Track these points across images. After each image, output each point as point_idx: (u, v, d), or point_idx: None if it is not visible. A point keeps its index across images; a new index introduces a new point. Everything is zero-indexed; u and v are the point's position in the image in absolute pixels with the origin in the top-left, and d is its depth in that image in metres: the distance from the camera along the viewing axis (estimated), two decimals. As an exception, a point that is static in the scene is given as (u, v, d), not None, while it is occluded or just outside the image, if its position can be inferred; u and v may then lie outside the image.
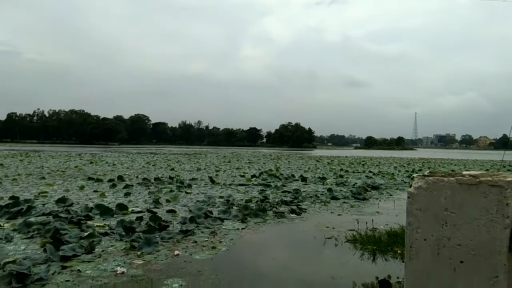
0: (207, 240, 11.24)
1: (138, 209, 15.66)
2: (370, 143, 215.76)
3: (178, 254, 9.85)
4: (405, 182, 28.89)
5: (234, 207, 16.29)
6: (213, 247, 10.53)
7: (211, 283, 7.97)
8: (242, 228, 13.02)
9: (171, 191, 21.30)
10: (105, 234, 11.59)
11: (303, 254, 10.55)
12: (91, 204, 16.22)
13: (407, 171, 41.11)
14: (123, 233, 11.33)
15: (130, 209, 15.43)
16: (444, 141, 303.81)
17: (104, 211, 14.59)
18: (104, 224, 12.83)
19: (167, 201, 17.85)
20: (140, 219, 13.16)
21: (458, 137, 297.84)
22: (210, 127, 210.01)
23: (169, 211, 15.26)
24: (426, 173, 3.61)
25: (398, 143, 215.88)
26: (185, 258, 9.62)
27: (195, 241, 11.10)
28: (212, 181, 26.34)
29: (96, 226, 12.53)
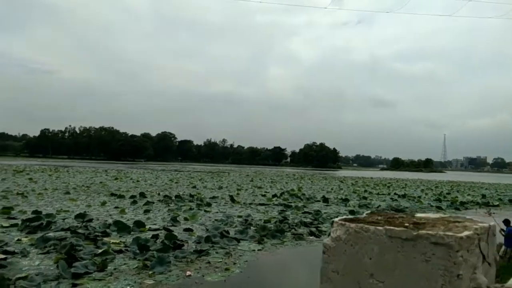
0: (221, 261, 10.99)
1: (156, 227, 15.59)
2: (396, 164, 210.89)
3: (190, 275, 9.65)
4: (431, 206, 27.82)
5: (251, 227, 16.00)
6: (227, 269, 10.28)
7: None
8: (258, 250, 12.72)
9: (191, 209, 21.22)
10: (120, 251, 11.53)
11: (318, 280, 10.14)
12: (110, 220, 16.29)
13: (434, 194, 39.68)
14: (137, 251, 11.24)
15: (147, 227, 15.40)
16: (475, 164, 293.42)
17: (122, 227, 14.60)
18: (120, 241, 12.80)
19: (185, 219, 17.75)
20: (156, 237, 13.07)
21: (489, 160, 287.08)
22: (235, 146, 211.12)
23: (186, 230, 15.13)
24: (348, 217, 2.46)
25: (426, 165, 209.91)
26: (197, 279, 9.40)
27: (209, 262, 10.87)
28: (233, 200, 26.15)
29: (112, 243, 12.51)
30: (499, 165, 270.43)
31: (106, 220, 16.38)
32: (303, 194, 32.20)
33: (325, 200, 28.31)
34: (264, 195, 30.90)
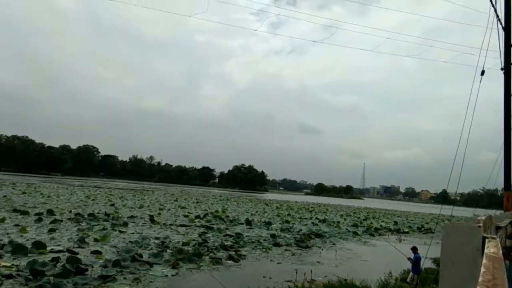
0: (127, 288, 10.06)
1: (59, 248, 14.06)
2: (320, 189, 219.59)
3: (89, 304, 8.64)
4: (349, 231, 28.86)
5: (168, 250, 15.13)
6: (133, 297, 9.40)
7: None
8: (172, 275, 11.93)
9: (104, 229, 19.67)
10: (10, 276, 10.09)
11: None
12: (5, 240, 14.44)
13: (352, 220, 41.47)
14: (30, 277, 9.90)
15: (49, 248, 13.83)
16: (390, 192, 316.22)
17: (18, 248, 12.93)
18: (12, 264, 11.26)
19: (95, 240, 16.32)
20: (56, 260, 11.72)
21: (402, 189, 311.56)
22: (162, 163, 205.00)
23: (93, 252, 13.82)
24: None
25: (347, 191, 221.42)
26: (97, 309, 8.42)
27: (114, 289, 9.89)
28: (152, 220, 24.85)
29: (2, 266, 10.96)
30: (410, 194, 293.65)
31: (1, 240, 14.47)
32: (227, 216, 31.70)
33: (249, 222, 28.08)
34: (186, 216, 29.87)
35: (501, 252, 1.37)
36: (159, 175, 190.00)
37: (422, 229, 37.42)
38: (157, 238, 17.94)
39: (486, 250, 1.34)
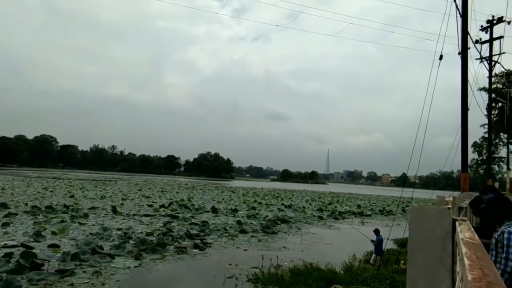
0: (87, 282, 9.63)
1: (13, 243, 13.30)
2: (286, 175, 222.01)
3: (45, 301, 8.19)
4: (314, 216, 29.30)
5: (130, 241, 14.68)
6: (93, 291, 9.02)
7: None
8: (135, 266, 11.57)
9: (62, 221, 18.85)
10: (-44, 275, 9.39)
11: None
12: (-48, 237, 13.49)
13: (317, 204, 42.19)
14: (-21, 275, 9.27)
15: (1, 243, 13.06)
16: (353, 177, 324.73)
17: (-34, 245, 12.11)
18: (-41, 263, 10.50)
19: (53, 233, 15.59)
20: (9, 255, 11.03)
21: (364, 174, 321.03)
22: (125, 153, 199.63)
23: (51, 246, 13.19)
24: None
25: (312, 177, 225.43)
26: (53, 305, 8.00)
27: (72, 284, 9.44)
28: (114, 211, 24.10)
29: None
30: (372, 178, 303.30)
31: None
32: (193, 205, 31.33)
33: (215, 210, 27.88)
34: (151, 205, 29.24)
35: (476, 236, 1.23)
36: (122, 165, 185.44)
37: (384, 211, 38.68)
38: (119, 229, 17.41)
39: (460, 235, 1.20)
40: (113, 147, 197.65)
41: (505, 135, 36.83)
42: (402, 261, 12.92)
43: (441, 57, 10.90)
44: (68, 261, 11.00)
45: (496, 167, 41.03)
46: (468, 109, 12.20)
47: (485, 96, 26.40)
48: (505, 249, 3.48)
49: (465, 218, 1.66)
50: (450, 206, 1.75)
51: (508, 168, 25.95)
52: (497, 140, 39.86)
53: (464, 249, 0.95)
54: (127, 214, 23.58)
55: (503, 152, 39.96)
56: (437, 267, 1.67)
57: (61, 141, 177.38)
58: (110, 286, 9.44)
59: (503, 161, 38.46)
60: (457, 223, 1.62)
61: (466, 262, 0.80)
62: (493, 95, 27.13)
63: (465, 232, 1.28)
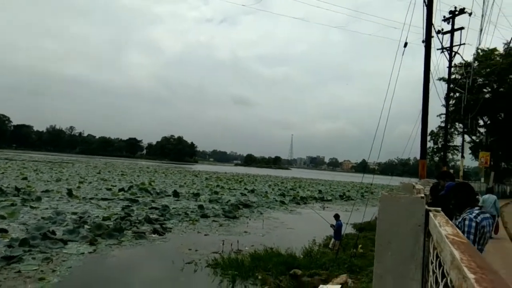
0: (36, 269, 9.08)
1: (-45, 228, 12.37)
2: (249, 160, 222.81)
3: (-13, 290, 7.63)
4: (276, 201, 29.48)
5: (86, 226, 14.06)
6: (41, 279, 8.49)
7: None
8: (89, 252, 11.07)
9: (12, 205, 17.80)
10: None
11: (154, 284, 9.19)
12: None
13: (280, 189, 42.54)
14: None
15: None
16: (315, 163, 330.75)
17: None
18: None
19: (1, 217, 14.65)
20: (-51, 242, 10.25)
21: (326, 160, 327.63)
22: (85, 134, 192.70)
23: (-3, 231, 12.37)
24: None
25: (275, 162, 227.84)
26: (-4, 295, 7.47)
27: (19, 271, 8.87)
28: (70, 194, 23.08)
29: None
30: (334, 164, 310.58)
31: None
32: (154, 189, 30.64)
33: (176, 194, 27.39)
34: (109, 189, 28.30)
35: (460, 231, 1.04)
36: (81, 147, 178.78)
37: (344, 196, 39.60)
38: (74, 213, 16.65)
39: (442, 231, 1.01)
40: (71, 128, 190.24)
41: (461, 125, 38.49)
42: (360, 246, 13.18)
43: (405, 44, 10.97)
44: (16, 247, 10.34)
45: (450, 155, 42.92)
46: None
47: (444, 86, 27.30)
48: (465, 235, 3.45)
49: (439, 209, 1.49)
50: (423, 195, 1.57)
51: (463, 156, 27.19)
52: (452, 130, 41.66)
53: (456, 253, 0.74)
54: (83, 197, 22.67)
55: (457, 141, 41.89)
56: (408, 263, 1.49)
57: (15, 121, 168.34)
58: (61, 273, 8.95)
59: (457, 150, 40.31)
60: (431, 214, 1.44)
61: (469, 275, 0.58)
62: (451, 85, 28.09)
63: (445, 226, 1.09)
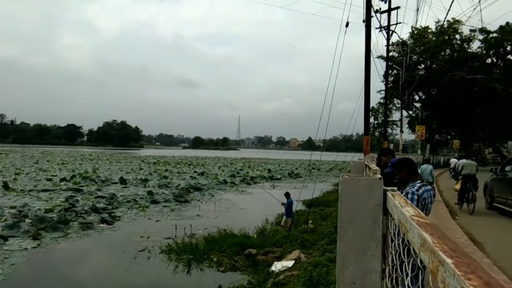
0: (-26, 270, 8.48)
1: None
2: (197, 143, 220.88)
3: None
4: (227, 182, 29.59)
5: (27, 220, 13.26)
6: (-19, 279, 7.96)
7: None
8: (33, 247, 10.50)
9: None
10: None
11: (106, 275, 8.94)
12: None
13: (230, 170, 42.72)
14: None
15: None
16: (263, 142, 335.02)
17: None
18: None
19: None
20: None
21: (274, 139, 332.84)
22: (17, 122, 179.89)
23: None
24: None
25: (224, 143, 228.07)
26: None
27: (-45, 273, 8.24)
28: (6, 187, 21.57)
29: None
30: (281, 143, 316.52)
31: None
32: (98, 176, 29.47)
33: (123, 181, 26.56)
34: (50, 179, 26.82)
35: (420, 211, 1.11)
36: (14, 136, 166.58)
37: (293, 174, 40.62)
38: (12, 207, 15.62)
39: (403, 211, 1.06)
40: (2, 116, 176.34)
41: (398, 101, 40.66)
42: (311, 221, 13.69)
43: (347, 24, 11.28)
44: None
45: (389, 130, 45.36)
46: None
47: (383, 63, 28.53)
48: None
49: (395, 188, 1.58)
50: (380, 176, 1.65)
51: (401, 131, 28.83)
52: (391, 105, 43.94)
53: (426, 236, 0.79)
54: (21, 190, 21.29)
55: (395, 116, 44.32)
56: (368, 241, 1.58)
57: None
58: (4, 271, 8.43)
59: (396, 124, 42.65)
60: (388, 194, 1.52)
61: (447, 260, 0.62)
62: (389, 63, 29.43)
63: (407, 207, 1.15)
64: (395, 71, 34.53)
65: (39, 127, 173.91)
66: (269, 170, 44.29)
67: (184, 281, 8.49)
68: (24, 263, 9.13)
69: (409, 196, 3.84)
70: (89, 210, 15.62)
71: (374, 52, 21.34)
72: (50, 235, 11.74)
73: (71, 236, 11.90)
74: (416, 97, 46.81)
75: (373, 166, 5.12)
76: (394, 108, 46.57)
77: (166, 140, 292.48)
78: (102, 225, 13.54)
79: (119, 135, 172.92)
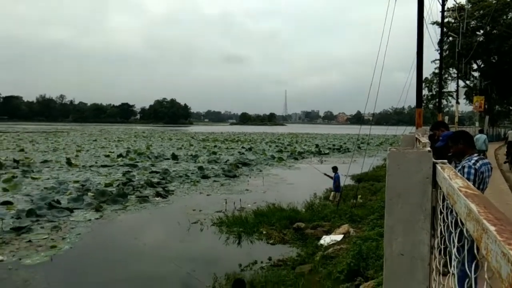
0: (46, 238, 9.34)
1: (-40, 204, 12.53)
2: (245, 119, 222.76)
3: (1, 260, 7.88)
4: (274, 157, 29.79)
5: (89, 193, 14.29)
6: (53, 246, 8.76)
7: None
8: (96, 219, 11.34)
9: (13, 177, 17.90)
10: None
11: (163, 245, 9.50)
12: None
13: (277, 146, 42.91)
14: None
15: None
16: (310, 117, 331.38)
17: None
18: None
19: (4, 190, 14.84)
20: (-43, 217, 10.42)
21: (321, 113, 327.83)
22: (76, 102, 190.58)
23: (3, 203, 12.55)
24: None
25: (270, 119, 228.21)
26: (11, 264, 7.72)
27: (30, 240, 9.12)
28: (70, 163, 23.22)
29: None
30: (329, 118, 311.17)
31: None
32: (152, 153, 30.82)
33: (175, 157, 27.61)
34: (108, 156, 28.45)
35: (469, 183, 1.11)
36: (73, 115, 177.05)
37: (341, 149, 40.05)
38: (76, 182, 16.85)
39: (452, 183, 1.07)
40: (62, 96, 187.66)
41: (454, 70, 38.26)
42: (360, 196, 13.55)
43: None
44: (23, 217, 10.56)
45: (444, 102, 43.02)
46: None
47: (437, 30, 26.80)
48: None
49: (445, 161, 1.56)
50: (429, 148, 1.63)
51: (457, 102, 27.26)
52: (446, 75, 41.45)
53: (472, 206, 0.80)
54: (83, 166, 22.82)
55: (451, 86, 41.84)
56: (417, 214, 1.58)
57: (3, 93, 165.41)
58: (72, 240, 9.22)
59: (451, 96, 40.35)
60: (438, 167, 1.51)
61: (490, 227, 0.64)
62: (445, 30, 27.63)
63: (456, 179, 1.15)
64: (450, 38, 32.36)
65: (95, 106, 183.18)
66: (317, 145, 43.92)
67: (235, 252, 8.82)
68: (88, 233, 9.90)
69: (466, 170, 3.70)
70: (145, 184, 16.48)
71: (428, 19, 20.07)
72: (111, 208, 12.58)
73: (130, 208, 12.68)
74: (474, 66, 43.71)
75: (424, 139, 4.95)
76: (449, 78, 43.87)
77: (214, 117, 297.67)
78: (157, 198, 14.26)
79: (169, 113, 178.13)
